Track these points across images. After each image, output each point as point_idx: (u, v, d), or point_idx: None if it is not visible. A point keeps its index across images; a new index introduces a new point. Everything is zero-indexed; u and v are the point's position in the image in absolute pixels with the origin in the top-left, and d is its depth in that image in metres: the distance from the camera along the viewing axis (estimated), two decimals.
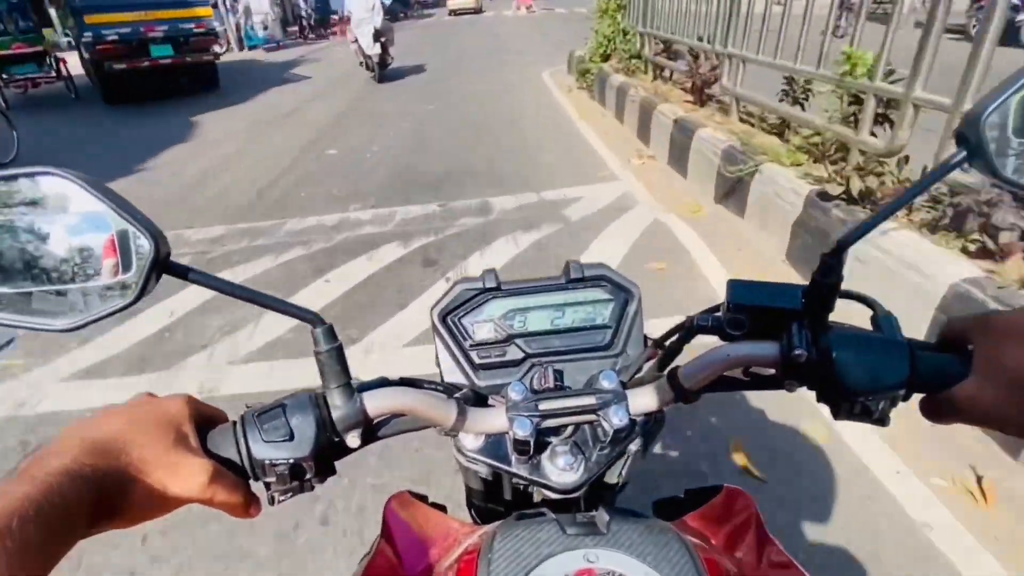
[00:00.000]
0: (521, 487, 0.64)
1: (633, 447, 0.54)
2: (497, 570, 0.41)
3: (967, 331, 0.41)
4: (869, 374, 0.41)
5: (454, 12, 28.21)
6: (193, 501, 0.40)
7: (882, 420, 0.43)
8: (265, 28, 16.78)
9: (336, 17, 21.74)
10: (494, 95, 7.96)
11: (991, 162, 0.40)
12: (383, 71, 9.67)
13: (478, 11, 28.34)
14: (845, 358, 0.42)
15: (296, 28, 21.67)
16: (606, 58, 6.90)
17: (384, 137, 6.21)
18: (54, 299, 0.38)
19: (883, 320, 0.44)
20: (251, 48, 16.81)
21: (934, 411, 0.42)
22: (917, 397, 0.43)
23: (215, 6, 13.61)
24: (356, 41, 9.55)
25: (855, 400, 0.42)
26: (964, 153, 0.40)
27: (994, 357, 0.39)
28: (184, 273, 0.40)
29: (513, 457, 0.52)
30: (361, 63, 10.11)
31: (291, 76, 11.82)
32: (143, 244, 0.38)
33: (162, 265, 0.39)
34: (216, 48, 10.58)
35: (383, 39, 9.30)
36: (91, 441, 0.36)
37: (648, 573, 0.40)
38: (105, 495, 0.35)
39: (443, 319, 0.58)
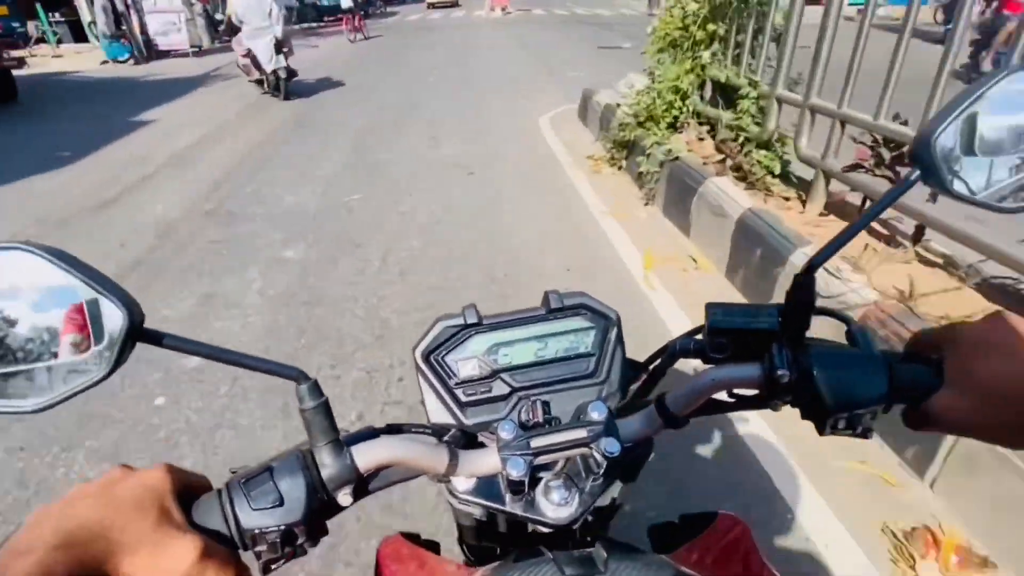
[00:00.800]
0: (516, 524, 0.64)
1: (626, 473, 0.54)
2: None
3: (937, 341, 0.43)
4: (850, 390, 0.43)
5: (432, 5, 28.89)
6: None
7: (865, 433, 0.44)
8: (178, 31, 13.20)
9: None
10: (462, 182, 4.42)
11: (944, 180, 0.41)
12: (287, 86, 8.08)
13: (455, 4, 29.18)
14: (825, 376, 0.43)
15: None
16: (675, 127, 3.81)
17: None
18: (22, 379, 0.36)
19: (858, 334, 0.45)
20: (115, 60, 12.75)
21: (916, 421, 0.43)
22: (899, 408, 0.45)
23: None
24: (248, 55, 7.83)
25: (839, 416, 0.43)
26: (918, 172, 0.42)
27: (964, 367, 0.40)
28: (159, 340, 0.39)
29: (507, 496, 0.52)
30: (255, 81, 8.44)
31: (156, 100, 8.30)
32: (115, 314, 0.36)
33: (136, 333, 0.37)
34: (18, 53, 9.01)
35: (285, 49, 7.88)
36: (64, 532, 0.33)
37: None
38: None
39: (426, 358, 0.58)
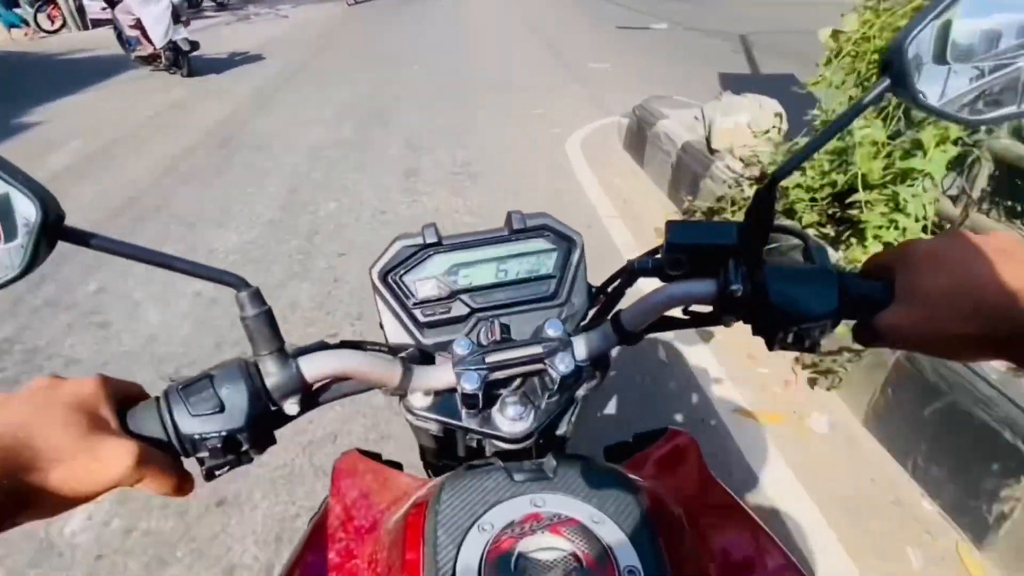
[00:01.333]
0: (474, 442, 0.64)
1: (581, 392, 0.55)
2: (444, 520, 0.41)
3: (891, 260, 0.43)
4: (801, 304, 0.42)
5: None
6: (119, 485, 0.37)
7: (813, 348, 0.45)
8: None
9: None
10: None
11: (913, 91, 0.40)
12: (189, 63, 6.80)
13: None
14: (778, 290, 0.43)
15: None
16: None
17: None
18: None
19: (814, 251, 0.45)
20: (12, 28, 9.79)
21: (864, 337, 0.44)
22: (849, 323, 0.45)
23: None
24: (137, 26, 6.46)
25: (789, 330, 0.43)
26: (887, 82, 0.40)
27: (913, 283, 0.41)
28: (84, 239, 0.36)
29: (463, 412, 0.52)
30: (141, 58, 6.95)
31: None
32: (28, 209, 0.34)
33: (54, 231, 0.35)
34: None
35: (183, 19, 6.66)
36: None
37: (593, 514, 0.41)
38: (12, 494, 0.31)
39: (383, 278, 0.56)
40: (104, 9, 7.77)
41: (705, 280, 0.46)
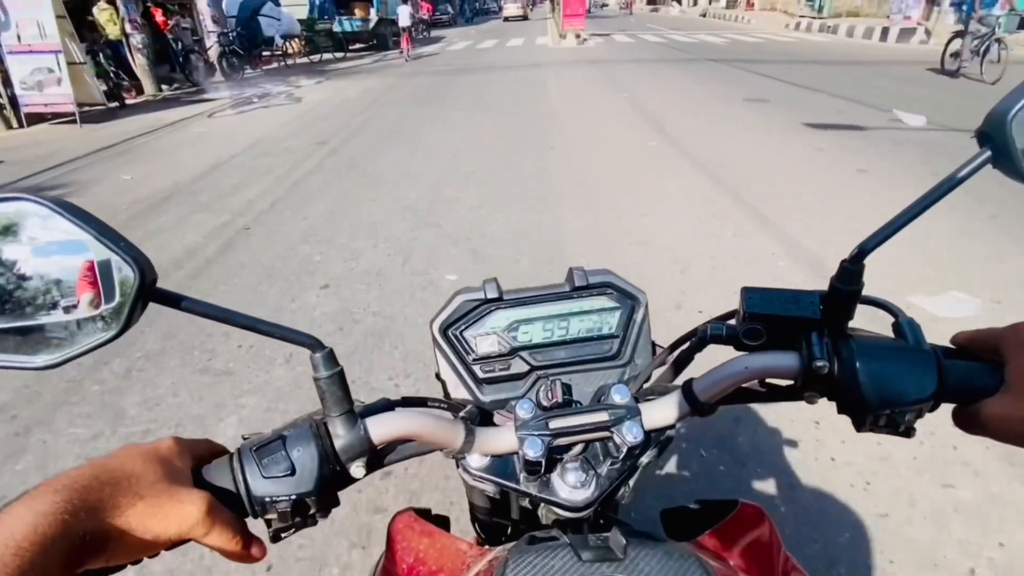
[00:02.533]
0: (529, 502, 0.62)
1: (644, 459, 0.53)
2: None
3: (998, 341, 0.40)
4: (894, 386, 0.40)
5: (508, 19, 31.18)
6: (187, 539, 0.37)
7: (907, 432, 0.42)
8: (58, 82, 7.22)
9: (271, 48, 13.76)
10: None
11: (1017, 163, 0.38)
12: None
13: (525, 18, 30.68)
14: (869, 369, 0.40)
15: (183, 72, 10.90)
16: None
17: None
18: (32, 335, 0.35)
19: (906, 326, 0.42)
20: None
21: (965, 423, 0.40)
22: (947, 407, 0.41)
23: None
24: None
25: (880, 413, 0.41)
26: (988, 154, 0.39)
27: None
28: (175, 302, 0.37)
29: (522, 476, 0.51)
30: None
31: None
32: (127, 272, 0.35)
33: (148, 293, 0.36)
34: None
35: None
36: (70, 489, 0.32)
37: None
38: (90, 533, 0.32)
39: (444, 332, 0.56)
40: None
41: (787, 353, 0.44)
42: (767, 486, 1.66)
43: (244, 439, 0.42)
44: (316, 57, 15.49)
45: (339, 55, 16.13)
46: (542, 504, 0.59)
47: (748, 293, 0.46)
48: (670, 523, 0.64)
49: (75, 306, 0.35)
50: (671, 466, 1.76)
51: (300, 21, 15.27)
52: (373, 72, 12.45)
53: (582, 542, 0.44)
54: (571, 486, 0.49)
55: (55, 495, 0.31)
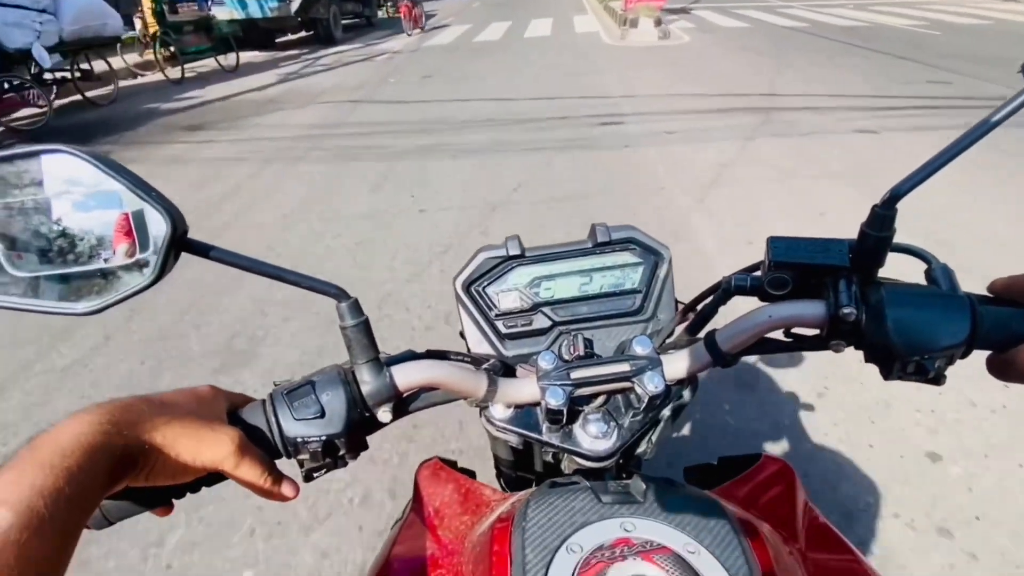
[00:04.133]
0: (550, 455, 0.64)
1: (666, 413, 0.53)
2: (532, 538, 0.40)
3: None
4: (925, 332, 0.39)
5: None
6: (220, 471, 0.39)
7: (937, 379, 0.41)
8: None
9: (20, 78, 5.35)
10: None
11: None
12: None
13: None
14: (899, 315, 0.39)
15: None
16: None
17: None
18: (72, 283, 0.37)
19: (939, 273, 0.41)
20: None
21: (1001, 370, 0.39)
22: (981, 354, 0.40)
23: None
24: None
25: (909, 360, 0.40)
26: None
27: None
28: (205, 251, 0.39)
29: (544, 426, 0.51)
30: None
31: None
32: (159, 222, 0.36)
33: (180, 243, 0.37)
34: None
35: None
36: (113, 407, 0.35)
37: (688, 543, 0.39)
38: (127, 450, 0.34)
39: (467, 289, 0.57)
40: None
41: (813, 301, 0.43)
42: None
43: (275, 385, 0.44)
44: (176, 72, 7.91)
45: (229, 64, 8.63)
46: (565, 457, 0.60)
47: (774, 242, 0.45)
48: (692, 480, 0.64)
49: (112, 255, 0.37)
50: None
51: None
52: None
53: (603, 487, 0.45)
54: (593, 436, 0.50)
55: (98, 412, 0.34)
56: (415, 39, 11.10)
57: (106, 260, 0.37)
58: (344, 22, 10.50)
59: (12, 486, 0.28)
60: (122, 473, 0.34)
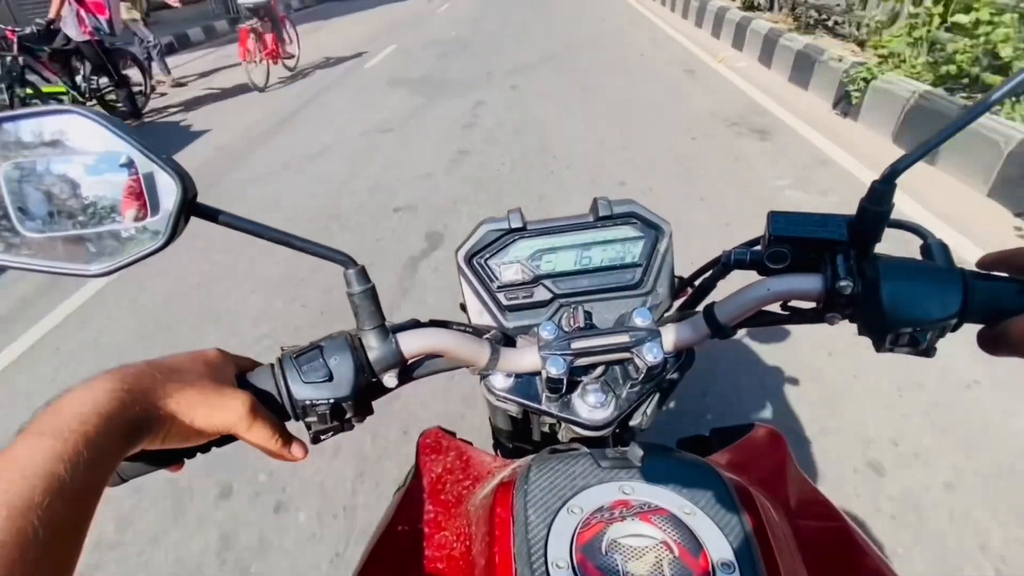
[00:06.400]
0: (549, 427, 0.65)
1: (663, 384, 0.54)
2: (534, 500, 0.42)
3: None
4: (918, 304, 0.40)
5: None
6: (231, 434, 0.40)
7: (928, 351, 0.42)
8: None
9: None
10: None
11: None
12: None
13: None
14: (894, 289, 0.40)
15: None
16: None
17: None
18: (83, 244, 0.37)
19: (934, 248, 0.42)
20: None
21: (991, 343, 0.41)
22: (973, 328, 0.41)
23: None
24: None
25: (901, 332, 0.41)
26: None
27: None
28: (214, 215, 0.39)
29: (544, 395, 0.53)
30: None
31: None
32: (170, 187, 0.37)
33: (190, 207, 0.38)
34: None
35: None
36: (126, 374, 0.35)
37: (684, 505, 0.41)
38: (140, 416, 0.35)
39: (468, 261, 0.58)
40: None
41: (810, 275, 0.44)
42: None
43: (283, 350, 0.45)
44: None
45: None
46: (562, 427, 0.61)
47: (774, 217, 0.46)
48: (686, 450, 0.66)
49: (123, 217, 0.37)
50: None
51: None
52: None
53: (601, 453, 0.46)
54: (591, 406, 0.51)
55: (112, 378, 0.35)
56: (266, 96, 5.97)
57: (117, 222, 0.37)
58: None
59: (33, 451, 0.29)
60: (138, 438, 0.35)
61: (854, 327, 0.45)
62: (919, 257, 0.43)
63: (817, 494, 0.51)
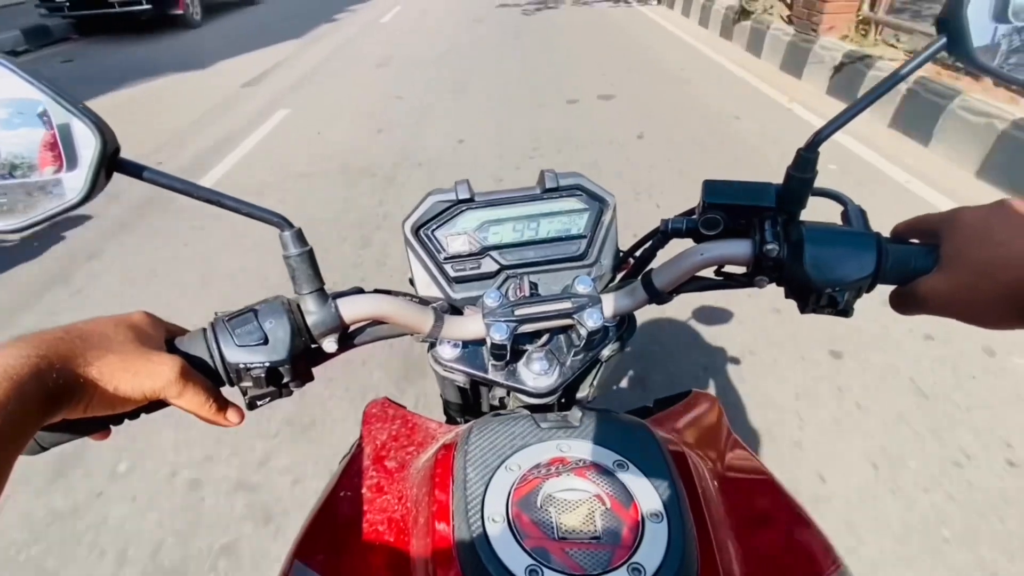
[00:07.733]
0: (496, 399, 0.66)
1: (606, 352, 0.56)
2: (473, 459, 0.42)
3: (936, 225, 0.42)
4: (836, 266, 0.42)
5: None
6: (160, 398, 0.39)
7: (846, 311, 0.44)
8: None
9: None
10: None
11: (971, 51, 0.39)
12: None
13: None
14: (814, 252, 0.43)
15: None
16: None
17: None
18: None
19: (853, 213, 0.45)
20: None
21: (902, 303, 0.43)
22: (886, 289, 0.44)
23: None
24: None
25: (822, 292, 0.43)
26: (944, 40, 0.39)
27: (958, 251, 0.40)
28: (138, 172, 0.38)
29: (490, 364, 0.53)
30: None
31: None
32: (89, 138, 0.35)
33: (111, 162, 0.36)
34: None
35: None
36: (40, 340, 0.33)
37: (618, 460, 0.42)
38: (62, 383, 0.33)
39: (416, 232, 0.57)
40: None
41: (740, 240, 0.46)
42: None
43: (216, 314, 0.44)
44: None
45: None
46: (511, 398, 0.62)
47: (708, 185, 0.47)
48: None
49: (36, 170, 0.35)
50: None
51: None
52: None
53: (542, 416, 0.47)
54: (536, 374, 0.52)
55: (26, 345, 0.33)
56: None
57: (30, 175, 0.35)
58: None
59: None
60: (56, 407, 0.33)
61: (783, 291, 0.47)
62: (840, 223, 0.46)
63: (746, 452, 0.54)
